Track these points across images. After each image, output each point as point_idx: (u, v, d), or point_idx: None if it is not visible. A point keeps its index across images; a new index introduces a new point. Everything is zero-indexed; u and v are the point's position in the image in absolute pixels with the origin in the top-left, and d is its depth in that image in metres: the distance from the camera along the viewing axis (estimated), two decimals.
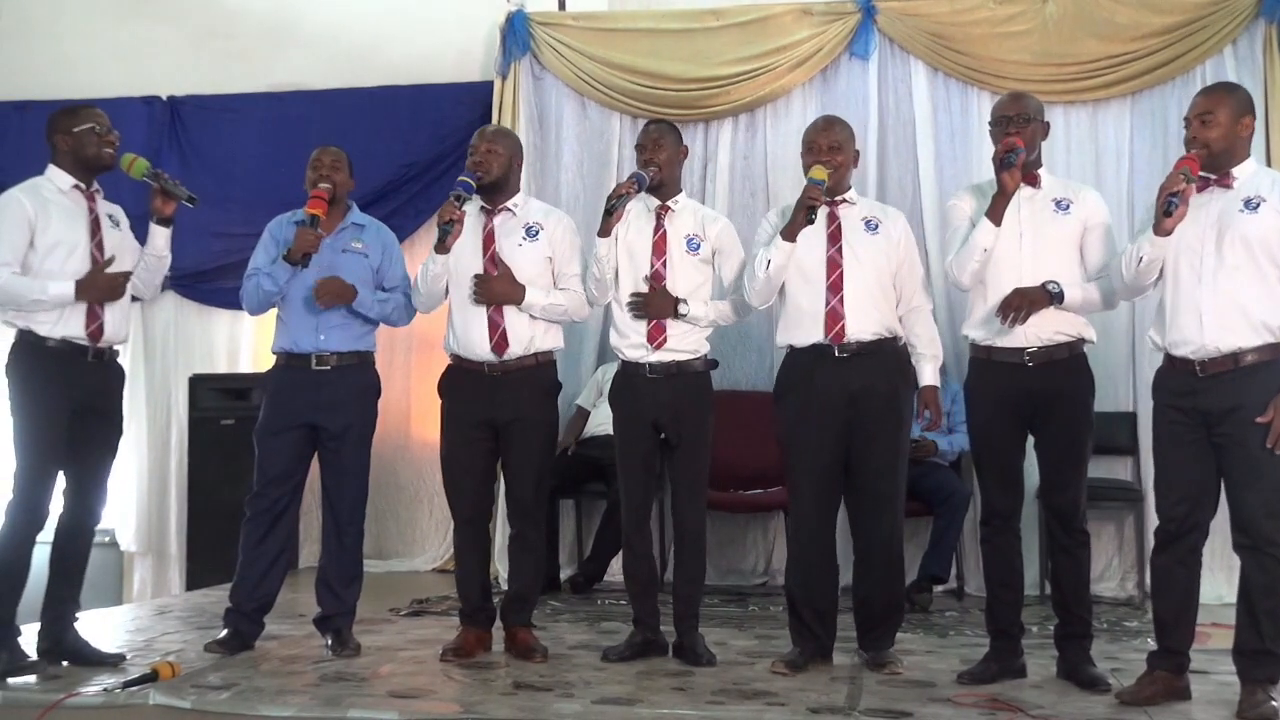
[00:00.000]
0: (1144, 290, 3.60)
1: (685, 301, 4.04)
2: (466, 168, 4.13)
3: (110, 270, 3.93)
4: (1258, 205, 3.39)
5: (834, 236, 3.92)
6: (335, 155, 4.30)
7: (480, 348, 4.09)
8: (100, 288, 3.91)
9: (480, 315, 4.10)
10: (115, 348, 4.03)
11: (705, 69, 6.18)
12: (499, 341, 4.08)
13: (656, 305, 4.04)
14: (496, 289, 4.09)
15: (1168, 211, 3.35)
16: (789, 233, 3.85)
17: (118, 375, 4.10)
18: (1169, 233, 3.40)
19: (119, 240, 4.05)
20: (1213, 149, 3.42)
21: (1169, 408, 3.50)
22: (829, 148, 3.92)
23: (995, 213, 3.74)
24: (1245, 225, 3.38)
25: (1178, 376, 3.48)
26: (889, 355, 3.94)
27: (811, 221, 3.81)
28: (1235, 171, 3.46)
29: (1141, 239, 3.48)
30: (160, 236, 4.10)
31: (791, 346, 3.98)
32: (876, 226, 3.97)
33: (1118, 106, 5.88)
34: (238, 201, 6.29)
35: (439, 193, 4.24)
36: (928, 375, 4.00)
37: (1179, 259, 3.46)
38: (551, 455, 4.31)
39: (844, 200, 4.00)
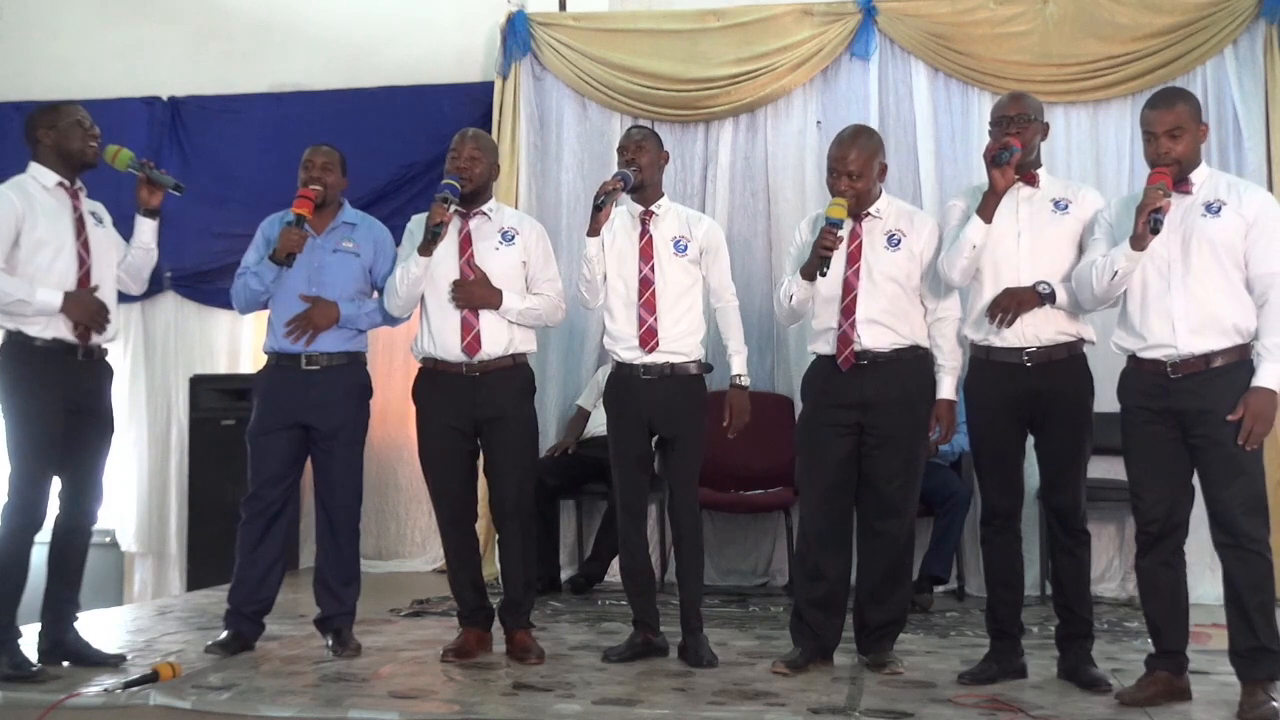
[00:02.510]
0: (1110, 301, 3.59)
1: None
2: (449, 170, 4.10)
3: (98, 295, 3.91)
4: (1219, 209, 3.41)
5: (853, 256, 3.87)
6: (327, 155, 4.28)
7: (455, 349, 4.09)
8: (85, 307, 3.85)
9: (455, 318, 4.09)
10: (104, 346, 4.01)
11: (706, 69, 6.18)
12: (471, 342, 4.07)
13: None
14: (475, 293, 4.08)
15: (1154, 229, 3.34)
16: (807, 272, 3.84)
17: (107, 373, 4.07)
18: (1146, 248, 3.40)
19: (103, 237, 4.03)
20: (1183, 163, 3.44)
21: (1140, 409, 3.51)
22: (849, 174, 3.82)
23: (986, 210, 3.73)
24: (1210, 229, 3.40)
25: (1147, 378, 3.48)
26: (908, 363, 3.89)
27: (824, 274, 3.80)
28: (1192, 177, 3.47)
29: (1116, 253, 3.46)
30: (147, 229, 4.09)
31: (816, 354, 3.99)
32: (899, 241, 3.90)
33: (1118, 107, 5.88)
34: (238, 201, 6.29)
35: None
36: (945, 388, 3.91)
37: (1145, 265, 3.46)
38: (534, 454, 4.32)
39: (869, 214, 3.92)
